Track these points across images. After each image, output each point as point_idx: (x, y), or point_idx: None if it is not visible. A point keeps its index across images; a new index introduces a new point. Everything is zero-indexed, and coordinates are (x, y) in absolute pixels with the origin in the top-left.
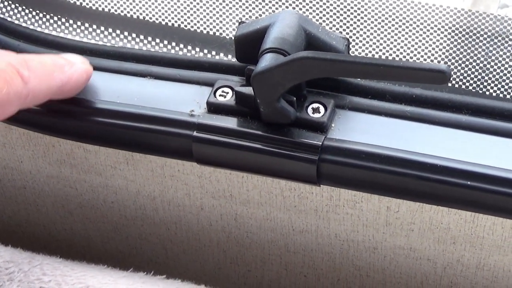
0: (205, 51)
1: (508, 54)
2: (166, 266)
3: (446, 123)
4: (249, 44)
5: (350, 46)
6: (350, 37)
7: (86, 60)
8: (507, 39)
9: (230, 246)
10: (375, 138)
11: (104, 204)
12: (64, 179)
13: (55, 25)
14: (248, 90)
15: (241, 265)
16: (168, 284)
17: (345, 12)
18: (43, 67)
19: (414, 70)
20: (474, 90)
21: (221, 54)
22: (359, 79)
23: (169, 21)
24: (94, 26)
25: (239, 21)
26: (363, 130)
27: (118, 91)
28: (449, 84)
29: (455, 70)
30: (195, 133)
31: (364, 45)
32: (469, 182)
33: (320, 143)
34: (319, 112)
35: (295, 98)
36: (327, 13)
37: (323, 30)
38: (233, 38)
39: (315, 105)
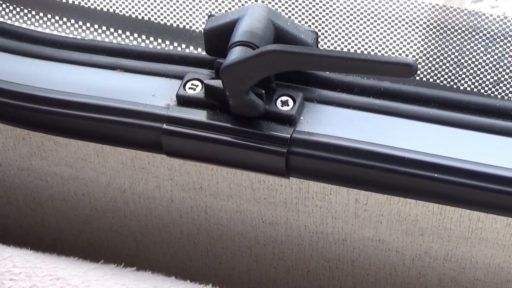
0: (175, 44)
1: (482, 49)
2: (137, 258)
3: (414, 116)
4: (219, 38)
5: (319, 39)
6: (319, 30)
7: None
8: (480, 34)
9: (200, 238)
10: (343, 130)
11: (75, 196)
12: (35, 171)
13: (25, 18)
14: (217, 83)
15: (212, 257)
16: (138, 276)
17: (314, 6)
18: None
19: (381, 63)
20: (448, 85)
21: (191, 47)
22: (327, 72)
23: (139, 14)
24: (64, 19)
25: (209, 14)
26: (332, 123)
27: (88, 83)
28: (424, 79)
29: (430, 65)
30: (164, 126)
31: (333, 38)
32: (436, 175)
33: (289, 136)
34: (288, 105)
35: (264, 91)
36: (296, 6)
37: (292, 24)
38: (202, 31)
39: (284, 98)
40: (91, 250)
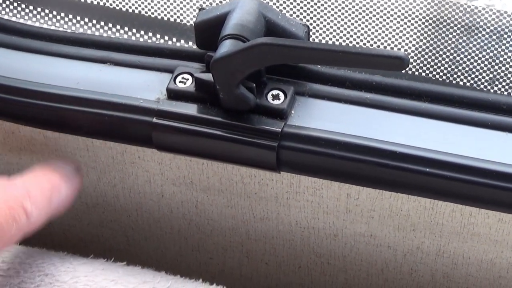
0: (166, 37)
1: (480, 44)
2: (127, 253)
3: (405, 110)
4: (209, 31)
5: (310, 33)
6: (311, 24)
7: (78, 165)
8: (476, 30)
9: (191, 233)
10: (334, 124)
11: None
12: (24, 166)
13: (15, 11)
14: (208, 76)
15: (203, 253)
16: (128, 271)
17: None
18: (44, 196)
19: (372, 56)
20: (447, 80)
21: (182, 41)
22: (319, 66)
23: (130, 7)
24: (54, 12)
25: (199, 7)
26: (323, 117)
27: (78, 77)
28: (423, 74)
29: (425, 60)
30: (154, 120)
31: (324, 32)
32: (428, 169)
33: (280, 130)
34: (279, 99)
35: (254, 85)
36: None
37: (283, 17)
38: (193, 24)
39: (275, 92)
40: (81, 245)
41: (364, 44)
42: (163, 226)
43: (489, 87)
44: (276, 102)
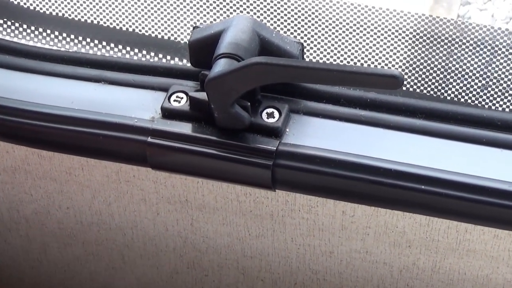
0: (160, 56)
1: (469, 58)
2: (123, 271)
3: (400, 127)
4: (203, 49)
5: (305, 50)
6: (305, 41)
7: None
8: (467, 44)
9: (186, 251)
10: (329, 142)
11: (59, 210)
12: (19, 185)
13: (9, 30)
14: (202, 95)
15: (198, 270)
16: None
17: (299, 17)
18: None
19: (367, 75)
20: (435, 95)
21: (176, 59)
22: (313, 84)
23: (124, 26)
24: (48, 31)
25: (194, 26)
26: (318, 135)
27: (72, 96)
28: (411, 89)
29: (417, 75)
30: (149, 139)
31: (318, 49)
32: (423, 186)
33: (275, 148)
34: (274, 117)
35: (249, 103)
36: (282, 17)
37: (277, 35)
38: (187, 43)
39: (269, 110)
40: (77, 263)
41: (358, 61)
42: (158, 244)
43: (481, 94)
44: (271, 120)
